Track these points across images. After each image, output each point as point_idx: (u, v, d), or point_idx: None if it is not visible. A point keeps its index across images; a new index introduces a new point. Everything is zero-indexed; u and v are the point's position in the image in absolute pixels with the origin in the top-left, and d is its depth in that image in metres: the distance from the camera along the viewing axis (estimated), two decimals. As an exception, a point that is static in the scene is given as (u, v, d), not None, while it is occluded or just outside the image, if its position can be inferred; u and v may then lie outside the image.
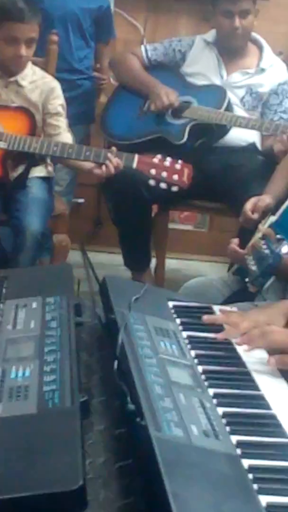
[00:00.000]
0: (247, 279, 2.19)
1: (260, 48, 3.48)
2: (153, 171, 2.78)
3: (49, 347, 1.49)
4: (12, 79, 2.97)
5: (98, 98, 3.77)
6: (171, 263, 3.84)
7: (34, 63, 3.04)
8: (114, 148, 2.86)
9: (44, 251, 3.11)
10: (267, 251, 2.12)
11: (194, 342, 1.65)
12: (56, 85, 3.03)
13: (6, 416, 1.26)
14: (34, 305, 1.69)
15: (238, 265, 2.31)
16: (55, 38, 3.20)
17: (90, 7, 3.57)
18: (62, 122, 3.01)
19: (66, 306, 1.68)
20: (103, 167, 2.80)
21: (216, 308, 1.89)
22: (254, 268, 2.15)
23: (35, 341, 1.52)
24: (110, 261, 3.65)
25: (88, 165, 2.85)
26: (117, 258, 3.53)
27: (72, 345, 1.49)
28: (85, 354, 1.60)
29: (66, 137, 2.99)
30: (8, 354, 1.49)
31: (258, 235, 2.23)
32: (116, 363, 1.43)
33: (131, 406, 1.29)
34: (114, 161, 2.79)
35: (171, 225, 3.80)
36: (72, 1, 3.52)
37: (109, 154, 2.81)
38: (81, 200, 4.13)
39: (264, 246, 2.14)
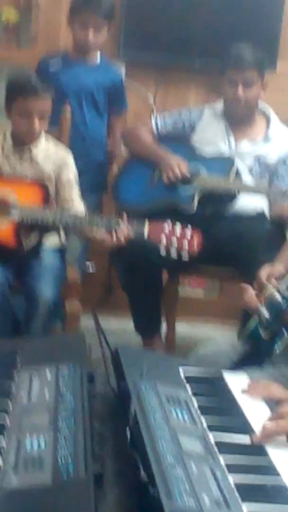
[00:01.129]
0: (260, 330, 2.25)
1: (267, 117, 3.57)
2: (163, 239, 2.83)
3: (63, 417, 1.52)
4: (27, 151, 3.05)
5: (110, 167, 3.85)
6: (181, 327, 3.86)
7: (48, 134, 3.12)
8: (124, 216, 2.91)
9: (56, 319, 3.15)
10: (279, 299, 2.24)
11: (205, 411, 1.67)
12: (69, 156, 3.11)
13: (22, 487, 1.28)
14: (48, 374, 1.72)
15: (248, 331, 2.35)
16: (68, 110, 3.30)
17: (104, 82, 3.68)
18: (74, 193, 3.08)
19: (79, 375, 1.71)
20: (113, 235, 2.85)
21: (226, 374, 1.92)
22: (266, 315, 2.23)
23: (49, 411, 1.55)
24: (121, 327, 3.68)
25: (99, 235, 2.90)
26: (128, 324, 3.56)
27: (85, 415, 1.52)
28: (98, 423, 1.61)
29: (78, 207, 3.05)
30: (23, 424, 1.51)
31: (271, 288, 2.30)
32: (128, 432, 1.45)
33: (144, 476, 1.31)
34: (123, 229, 2.84)
35: (181, 290, 3.84)
36: (86, 76, 3.63)
37: (120, 224, 2.86)
38: (91, 267, 4.16)
39: (277, 294, 2.26)
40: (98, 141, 3.74)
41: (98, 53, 3.72)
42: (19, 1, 4.03)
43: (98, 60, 3.73)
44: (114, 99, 3.74)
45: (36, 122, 2.96)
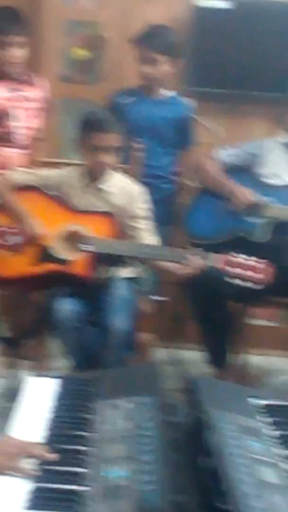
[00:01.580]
0: None
1: None
2: (237, 270, 2.86)
3: (143, 447, 1.55)
4: (98, 185, 3.12)
5: (178, 200, 3.90)
6: (254, 359, 3.85)
7: (120, 170, 3.19)
8: (198, 249, 2.95)
9: (129, 349, 3.18)
10: None
11: (282, 440, 1.67)
12: (140, 190, 3.18)
13: (105, 515, 1.32)
14: (126, 405, 1.76)
15: None
16: (138, 146, 3.36)
17: (173, 116, 3.74)
18: (146, 225, 3.13)
19: (156, 405, 1.74)
20: (187, 267, 2.88)
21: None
22: None
23: (128, 441, 1.58)
24: (192, 358, 3.69)
25: (172, 265, 2.94)
26: (199, 355, 3.57)
27: (164, 445, 1.55)
28: (176, 454, 1.64)
29: (151, 239, 3.11)
30: (104, 454, 1.55)
31: None
32: (205, 462, 1.47)
33: (222, 506, 1.32)
34: (196, 261, 2.88)
35: (253, 321, 3.84)
36: (156, 111, 3.70)
37: (191, 255, 2.89)
38: (165, 298, 4.20)
39: None
40: (167, 174, 3.79)
41: (171, 91, 3.78)
42: (89, 39, 4.15)
43: (169, 94, 3.79)
44: (182, 133, 3.79)
45: (108, 157, 3.04)
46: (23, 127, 3.59)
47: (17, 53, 3.50)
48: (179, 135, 3.77)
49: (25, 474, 1.54)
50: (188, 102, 3.87)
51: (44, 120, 3.76)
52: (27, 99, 3.62)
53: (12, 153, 3.58)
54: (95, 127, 3.03)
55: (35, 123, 3.65)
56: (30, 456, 1.60)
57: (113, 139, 3.03)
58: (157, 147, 3.63)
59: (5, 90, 3.58)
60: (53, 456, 1.58)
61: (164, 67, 3.62)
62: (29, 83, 3.66)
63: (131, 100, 3.71)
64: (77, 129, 3.13)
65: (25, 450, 1.61)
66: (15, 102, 3.58)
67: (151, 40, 3.58)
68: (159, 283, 3.98)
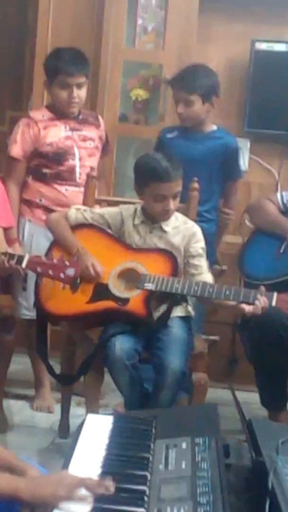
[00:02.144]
0: None
1: None
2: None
3: (201, 488, 1.53)
4: (156, 225, 3.12)
5: (222, 235, 3.89)
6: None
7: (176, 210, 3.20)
8: (262, 288, 2.93)
9: (184, 389, 3.16)
10: None
11: None
12: (198, 230, 3.17)
13: None
14: (184, 445, 1.75)
15: None
16: (196, 185, 3.36)
17: (218, 149, 3.70)
18: (203, 263, 3.12)
19: (214, 446, 1.73)
20: (256, 305, 2.86)
21: None
22: None
23: (187, 482, 1.57)
24: (246, 399, 3.64)
25: (232, 302, 2.93)
26: (253, 396, 3.53)
27: (223, 487, 1.53)
28: (233, 497, 1.62)
29: (207, 277, 3.09)
30: (162, 494, 1.54)
31: None
32: (267, 507, 1.45)
33: None
34: (262, 300, 2.86)
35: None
36: (200, 145, 3.66)
37: (258, 295, 2.88)
38: (216, 338, 4.19)
39: None
40: (214, 209, 3.77)
41: (214, 125, 3.76)
42: (148, 80, 4.21)
43: (214, 128, 3.76)
44: (228, 166, 3.77)
45: (172, 204, 3.04)
46: (82, 166, 3.63)
47: (78, 93, 3.56)
48: (225, 168, 3.73)
49: (83, 501, 1.55)
50: (232, 135, 3.85)
51: (101, 159, 3.80)
52: (86, 139, 3.68)
53: (71, 192, 3.63)
54: (158, 177, 3.01)
55: (93, 161, 3.69)
56: (88, 488, 1.60)
57: (176, 186, 3.03)
58: (202, 180, 3.55)
59: (65, 129, 3.63)
60: (111, 487, 1.59)
61: (198, 106, 3.63)
62: (87, 122, 3.72)
63: (177, 133, 3.72)
64: (137, 175, 3.11)
65: (83, 482, 1.62)
66: (75, 142, 3.63)
67: (182, 81, 3.62)
68: (213, 322, 3.98)
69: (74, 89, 3.54)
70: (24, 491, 1.63)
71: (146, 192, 3.07)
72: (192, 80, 3.63)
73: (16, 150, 3.61)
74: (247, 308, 2.87)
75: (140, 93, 4.28)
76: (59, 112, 3.64)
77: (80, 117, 3.69)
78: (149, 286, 2.96)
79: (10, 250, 3.19)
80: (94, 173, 3.47)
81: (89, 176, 3.44)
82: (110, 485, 1.60)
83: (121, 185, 4.30)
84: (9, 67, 4.76)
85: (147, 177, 3.05)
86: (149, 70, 4.27)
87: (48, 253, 3.18)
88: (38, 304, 3.17)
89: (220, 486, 1.54)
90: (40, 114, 3.66)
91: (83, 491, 1.60)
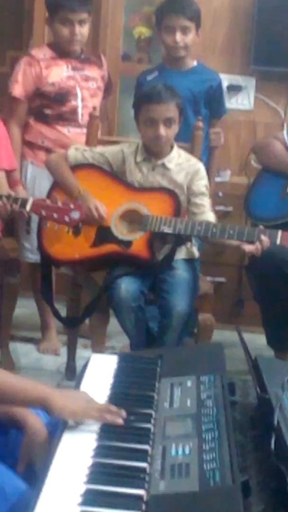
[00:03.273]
0: None
1: None
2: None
3: (206, 425, 1.53)
4: (159, 162, 3.08)
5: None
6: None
7: (180, 147, 3.14)
8: (261, 226, 2.90)
9: (188, 330, 3.16)
10: None
11: None
12: (201, 167, 3.11)
13: (170, 493, 1.30)
14: (189, 383, 1.74)
15: None
16: (200, 124, 3.30)
17: (201, 86, 3.61)
18: (206, 202, 3.07)
19: (220, 385, 1.72)
20: (256, 245, 2.83)
21: None
22: None
23: (192, 419, 1.57)
24: (252, 341, 3.63)
25: (235, 241, 2.90)
26: (259, 338, 3.53)
27: (228, 424, 1.53)
28: (238, 434, 1.62)
29: (210, 216, 3.04)
30: (167, 431, 1.54)
31: None
32: (273, 443, 1.44)
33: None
34: (264, 240, 2.83)
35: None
36: (182, 83, 3.50)
37: (264, 234, 2.85)
38: (222, 279, 4.17)
39: None
40: (204, 146, 3.69)
41: (194, 60, 3.68)
42: (151, 17, 4.11)
43: (195, 64, 3.68)
44: (213, 102, 3.68)
45: (162, 129, 2.97)
46: (84, 106, 3.57)
47: (80, 30, 3.48)
48: (209, 104, 3.65)
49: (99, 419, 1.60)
50: (214, 70, 3.76)
51: (104, 99, 3.74)
52: (88, 79, 3.61)
53: (73, 133, 3.57)
54: (149, 99, 2.97)
55: (95, 102, 3.63)
56: (100, 410, 1.62)
57: (167, 110, 2.96)
58: (191, 118, 3.46)
59: (67, 69, 3.56)
60: (122, 413, 1.62)
61: (193, 34, 3.54)
62: (90, 61, 3.64)
63: (157, 74, 3.63)
64: (134, 101, 3.10)
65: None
66: (77, 82, 3.56)
67: (183, 7, 3.52)
68: (219, 263, 3.96)
69: (76, 26, 3.46)
70: (55, 399, 1.63)
71: (140, 119, 3.02)
72: (188, 4, 3.54)
73: (18, 89, 3.54)
74: (247, 248, 2.84)
75: (143, 31, 4.19)
76: (61, 51, 3.56)
77: (82, 56, 3.61)
78: (150, 227, 2.93)
79: (13, 193, 3.15)
80: (97, 113, 3.41)
81: (91, 116, 3.38)
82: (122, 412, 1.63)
83: (125, 125, 4.22)
84: (9, 5, 4.65)
85: (140, 100, 3.02)
86: (152, 6, 4.16)
87: (49, 195, 3.14)
88: (41, 248, 3.15)
89: (225, 423, 1.54)
90: (42, 53, 3.58)
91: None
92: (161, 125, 2.96)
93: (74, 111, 3.56)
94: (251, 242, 2.86)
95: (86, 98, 3.59)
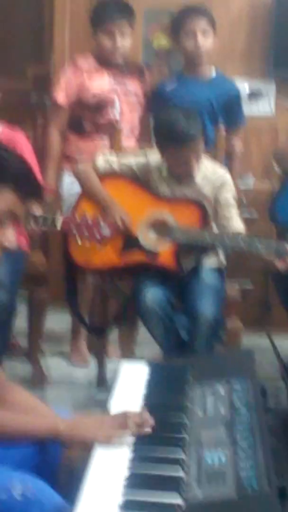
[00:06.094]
0: None
1: None
2: None
3: (241, 432, 1.53)
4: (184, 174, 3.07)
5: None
6: None
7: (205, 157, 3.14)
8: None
9: (217, 337, 3.15)
10: None
11: None
12: (228, 179, 3.11)
13: (207, 500, 1.30)
14: (221, 390, 1.75)
15: None
16: (222, 132, 3.31)
17: (219, 96, 3.61)
18: (233, 212, 3.08)
19: (252, 390, 1.72)
20: (284, 265, 2.83)
21: None
22: None
23: (226, 426, 1.57)
24: (279, 345, 3.63)
25: (269, 256, 2.88)
26: (286, 343, 3.51)
27: (263, 430, 1.53)
28: (273, 439, 1.62)
29: (238, 227, 3.05)
30: (202, 438, 1.54)
31: None
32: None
33: None
34: None
35: None
36: (201, 92, 3.56)
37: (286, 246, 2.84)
38: (249, 287, 4.16)
39: None
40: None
41: (213, 68, 3.68)
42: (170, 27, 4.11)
43: (214, 74, 3.68)
44: (231, 112, 3.67)
45: (194, 166, 2.98)
46: (123, 120, 3.57)
47: (122, 42, 3.50)
48: (227, 114, 3.63)
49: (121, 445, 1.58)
50: (235, 81, 3.76)
51: (141, 113, 3.70)
52: (129, 93, 3.62)
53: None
54: (175, 142, 2.93)
55: (135, 116, 3.64)
56: (130, 424, 1.62)
57: (196, 148, 2.95)
58: (208, 128, 3.46)
59: (109, 81, 3.59)
60: (150, 420, 1.62)
61: (212, 38, 3.54)
62: (132, 74, 3.65)
63: (176, 83, 3.63)
64: (156, 137, 3.08)
65: (125, 416, 1.65)
66: (117, 95, 3.58)
67: (203, 10, 3.53)
68: (246, 269, 3.95)
69: (117, 37, 3.48)
70: (64, 431, 1.65)
71: (166, 153, 3.00)
72: (206, 8, 3.54)
73: (62, 97, 3.57)
74: (280, 265, 2.83)
75: (161, 41, 4.19)
76: (104, 61, 3.58)
77: (125, 68, 3.62)
78: (177, 237, 2.93)
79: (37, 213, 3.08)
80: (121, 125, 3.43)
81: (115, 123, 3.40)
82: (149, 418, 1.63)
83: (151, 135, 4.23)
84: (28, 19, 4.68)
85: (165, 140, 2.98)
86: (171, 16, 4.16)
87: (77, 205, 3.15)
88: (67, 256, 3.15)
89: (259, 429, 1.54)
90: (86, 62, 3.61)
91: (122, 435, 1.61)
92: (193, 162, 2.97)
93: (111, 124, 3.56)
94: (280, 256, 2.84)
95: (125, 112, 3.60)
